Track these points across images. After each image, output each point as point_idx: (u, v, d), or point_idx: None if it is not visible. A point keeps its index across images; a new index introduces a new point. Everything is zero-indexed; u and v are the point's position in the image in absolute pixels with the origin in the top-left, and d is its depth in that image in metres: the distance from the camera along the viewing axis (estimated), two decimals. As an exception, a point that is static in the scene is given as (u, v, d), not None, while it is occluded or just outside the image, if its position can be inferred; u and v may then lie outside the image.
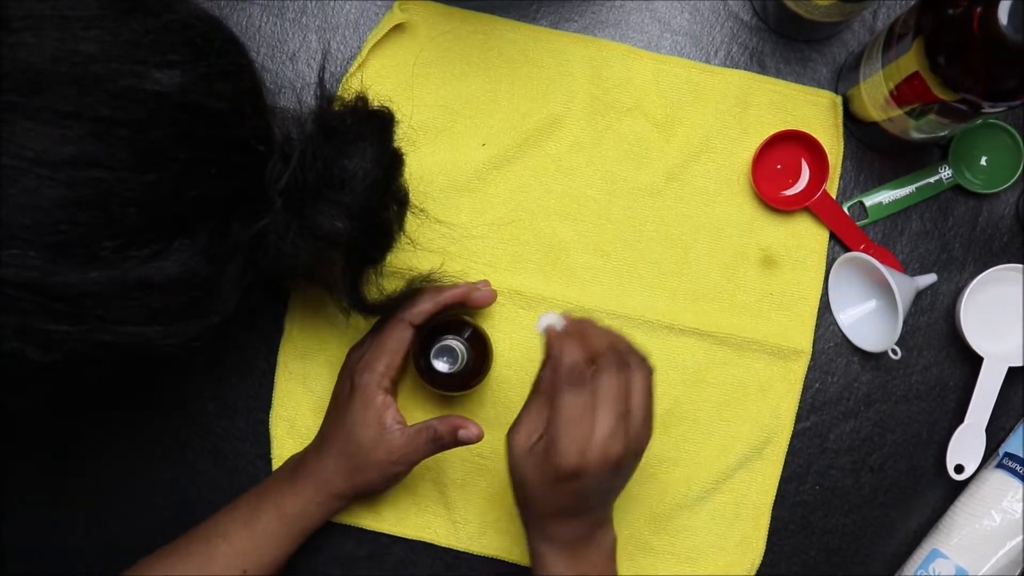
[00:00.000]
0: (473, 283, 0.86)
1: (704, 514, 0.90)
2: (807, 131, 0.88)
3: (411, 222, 0.80)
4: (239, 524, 0.82)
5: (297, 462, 0.85)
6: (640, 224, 0.90)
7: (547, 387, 0.71)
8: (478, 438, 0.81)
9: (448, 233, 0.88)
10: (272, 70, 0.90)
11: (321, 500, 0.82)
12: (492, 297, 0.86)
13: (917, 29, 0.73)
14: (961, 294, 0.89)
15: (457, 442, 0.81)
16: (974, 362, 0.89)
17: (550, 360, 0.71)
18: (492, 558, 0.90)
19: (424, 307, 0.83)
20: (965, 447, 0.88)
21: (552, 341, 0.71)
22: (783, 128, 0.89)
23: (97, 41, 0.56)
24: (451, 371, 0.79)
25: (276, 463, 0.90)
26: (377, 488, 0.84)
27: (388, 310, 0.83)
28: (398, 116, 0.76)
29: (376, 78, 0.89)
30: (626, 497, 0.89)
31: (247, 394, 0.91)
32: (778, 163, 0.90)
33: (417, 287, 0.83)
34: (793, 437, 0.90)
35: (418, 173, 0.86)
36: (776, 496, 0.90)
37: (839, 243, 0.90)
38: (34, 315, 0.57)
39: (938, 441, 0.91)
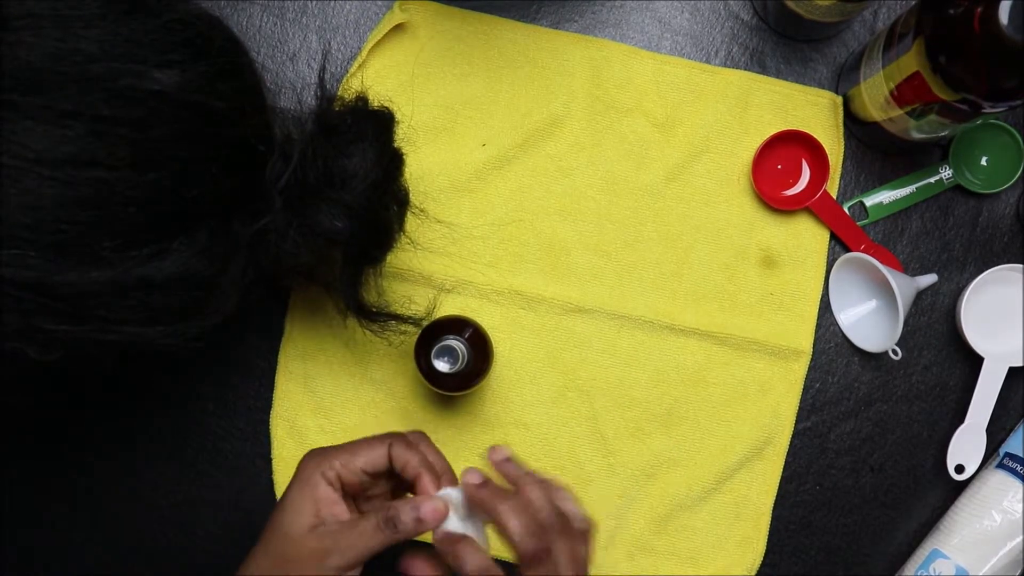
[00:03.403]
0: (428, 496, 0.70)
1: (705, 514, 0.90)
2: (807, 131, 0.88)
3: (411, 222, 0.80)
4: None
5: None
6: (640, 224, 0.90)
7: None
8: (444, 513, 0.68)
9: (448, 233, 0.88)
10: (272, 70, 0.90)
11: None
12: (443, 513, 0.69)
13: (918, 29, 0.73)
14: (961, 294, 0.89)
15: (419, 523, 0.67)
16: (974, 362, 0.89)
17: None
18: (492, 558, 0.89)
19: (413, 459, 0.70)
20: (965, 447, 0.88)
21: (453, 550, 0.66)
22: (783, 128, 0.89)
23: (97, 40, 0.56)
24: (451, 371, 0.79)
25: (276, 463, 0.90)
26: None
27: (382, 319, 0.81)
28: (398, 116, 0.76)
29: (376, 78, 0.89)
30: (627, 498, 0.89)
31: (247, 394, 0.90)
32: (778, 163, 0.90)
33: (408, 318, 0.81)
34: (793, 437, 0.90)
35: (418, 173, 0.86)
36: (776, 496, 0.90)
37: (839, 243, 0.90)
38: (35, 315, 0.56)
39: (938, 441, 0.91)
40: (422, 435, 0.73)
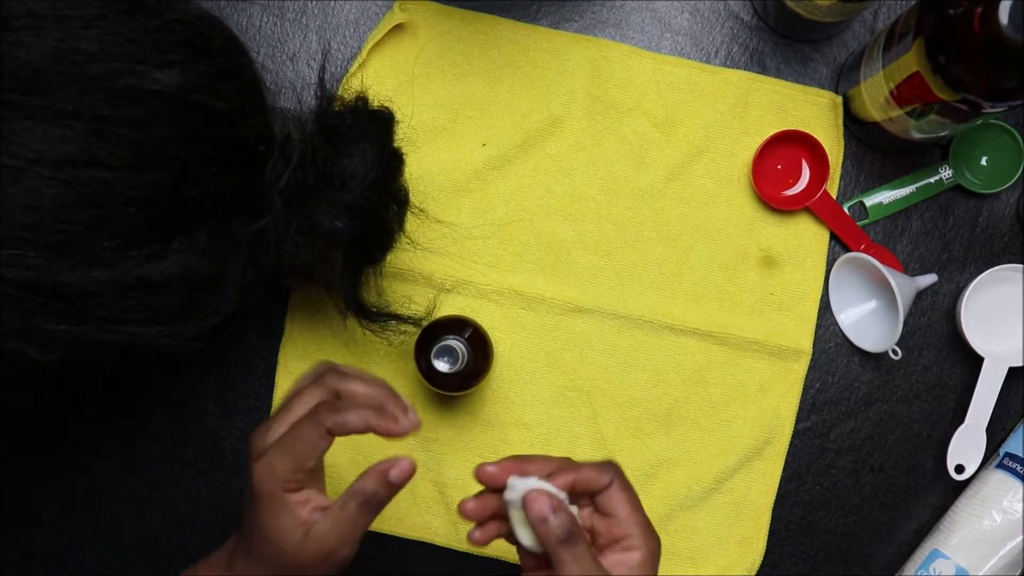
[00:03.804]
0: (398, 427, 0.69)
1: (705, 514, 0.90)
2: (807, 131, 0.88)
3: (411, 222, 0.80)
4: None
5: (230, 559, 0.72)
6: (640, 224, 0.90)
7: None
8: (412, 468, 0.68)
9: (448, 233, 0.88)
10: (272, 70, 0.90)
11: None
12: (409, 470, 0.68)
13: (918, 29, 0.73)
14: (961, 294, 0.89)
15: (392, 487, 0.68)
16: (974, 362, 0.89)
17: (538, 528, 0.64)
18: (492, 558, 0.90)
19: (352, 421, 0.67)
20: (965, 447, 0.88)
21: (531, 507, 0.64)
22: (783, 128, 0.89)
23: (97, 40, 0.56)
24: (452, 371, 0.79)
25: (276, 463, 0.89)
26: None
27: (382, 319, 0.82)
28: (398, 116, 0.76)
29: (376, 78, 0.89)
30: (626, 497, 0.89)
31: (247, 394, 0.90)
32: (778, 163, 0.90)
33: (408, 318, 0.81)
34: (793, 437, 0.90)
35: (418, 173, 0.86)
36: (776, 496, 0.90)
37: (839, 243, 0.90)
38: (35, 315, 0.56)
39: (938, 441, 0.91)
40: (332, 372, 0.71)
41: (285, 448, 0.67)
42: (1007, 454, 0.88)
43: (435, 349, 0.79)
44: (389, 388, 0.71)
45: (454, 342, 0.79)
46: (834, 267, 0.90)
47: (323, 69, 0.87)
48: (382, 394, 0.70)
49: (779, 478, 0.90)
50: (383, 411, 0.68)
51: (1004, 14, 0.67)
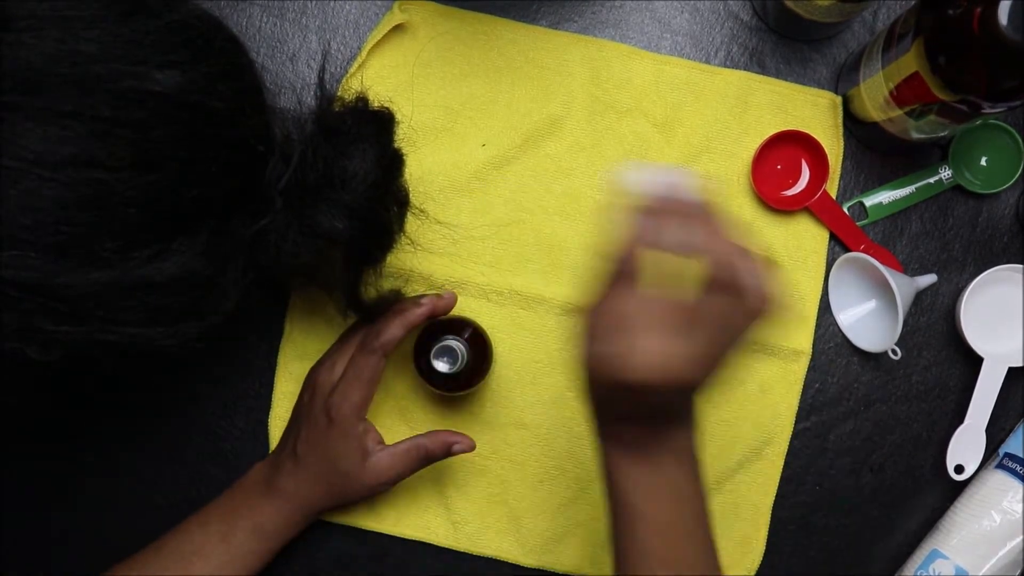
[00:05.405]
0: (436, 295, 0.83)
1: (704, 514, 0.90)
2: (807, 131, 0.88)
3: (411, 223, 0.80)
4: (215, 540, 0.81)
5: (270, 477, 0.83)
6: (640, 224, 0.90)
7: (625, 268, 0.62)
8: (472, 448, 0.82)
9: (448, 234, 0.88)
10: (272, 70, 0.90)
11: (300, 519, 0.83)
12: (454, 299, 0.84)
13: (917, 29, 0.73)
14: (961, 294, 0.89)
15: (448, 456, 0.82)
16: (974, 362, 0.89)
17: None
18: (491, 558, 0.90)
19: (394, 334, 0.80)
20: (965, 447, 0.88)
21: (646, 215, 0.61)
22: (783, 128, 0.89)
23: (98, 41, 0.56)
24: (451, 371, 0.79)
25: (276, 463, 0.90)
26: (358, 501, 0.86)
27: (379, 312, 0.82)
28: (398, 116, 0.76)
29: (376, 78, 0.89)
30: (626, 497, 0.89)
31: (247, 394, 0.91)
32: (778, 163, 0.90)
33: (391, 300, 0.82)
34: (793, 437, 0.90)
35: (418, 173, 0.86)
36: (776, 496, 0.90)
37: (839, 243, 0.90)
38: (35, 316, 0.57)
39: (938, 441, 0.91)
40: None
41: (354, 380, 0.80)
42: (1006, 454, 0.88)
43: (435, 349, 0.79)
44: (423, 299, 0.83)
45: (454, 342, 0.79)
46: (834, 267, 0.90)
47: (323, 69, 0.87)
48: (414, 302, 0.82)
49: (779, 478, 0.90)
50: (418, 305, 0.81)
51: (1004, 14, 0.67)
